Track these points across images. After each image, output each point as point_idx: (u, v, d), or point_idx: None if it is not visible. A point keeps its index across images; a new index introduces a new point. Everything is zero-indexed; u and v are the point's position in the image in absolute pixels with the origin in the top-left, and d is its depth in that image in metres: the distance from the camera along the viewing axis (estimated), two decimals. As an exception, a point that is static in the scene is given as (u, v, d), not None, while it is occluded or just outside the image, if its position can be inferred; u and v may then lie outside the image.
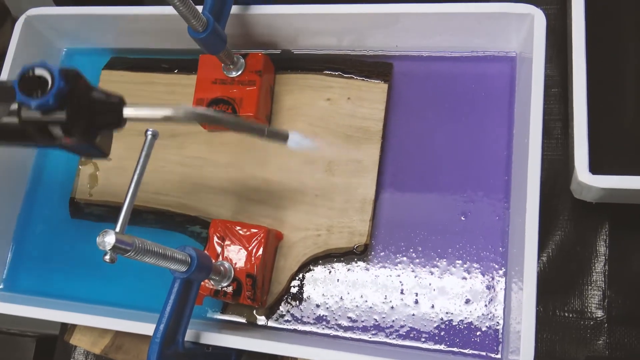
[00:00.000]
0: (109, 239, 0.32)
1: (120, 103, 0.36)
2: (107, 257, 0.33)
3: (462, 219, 0.49)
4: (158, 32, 0.58)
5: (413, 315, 0.47)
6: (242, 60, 0.52)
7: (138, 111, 0.36)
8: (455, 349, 0.46)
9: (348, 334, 0.48)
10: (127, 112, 0.36)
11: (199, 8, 0.45)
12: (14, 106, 0.33)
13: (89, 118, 0.34)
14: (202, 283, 0.47)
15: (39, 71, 0.31)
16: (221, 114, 0.39)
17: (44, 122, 0.32)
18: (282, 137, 0.43)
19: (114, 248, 0.32)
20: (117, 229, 0.34)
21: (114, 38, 0.60)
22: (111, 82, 0.60)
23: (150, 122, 0.36)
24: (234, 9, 0.52)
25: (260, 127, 0.42)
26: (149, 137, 0.38)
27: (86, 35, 0.61)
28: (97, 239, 0.32)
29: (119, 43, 0.61)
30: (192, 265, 0.39)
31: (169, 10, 0.53)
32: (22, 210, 0.60)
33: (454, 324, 0.47)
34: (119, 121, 0.36)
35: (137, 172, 0.38)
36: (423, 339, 0.47)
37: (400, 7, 0.50)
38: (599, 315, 0.48)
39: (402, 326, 0.47)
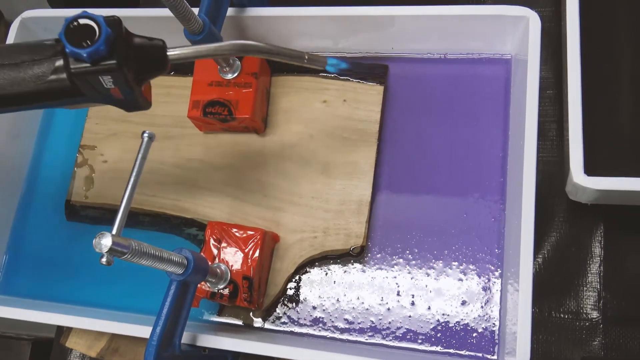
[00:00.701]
0: (105, 242, 0.32)
1: (164, 46, 0.36)
2: (104, 260, 0.33)
3: (458, 220, 0.49)
4: (154, 34, 0.58)
5: (409, 316, 0.48)
6: (238, 63, 0.52)
7: (182, 51, 0.37)
8: (451, 350, 0.46)
9: (345, 336, 0.48)
10: (172, 53, 0.36)
11: (195, 10, 0.45)
12: (59, 62, 0.33)
13: (136, 63, 0.34)
14: (199, 285, 0.46)
15: (83, 21, 0.31)
16: (261, 44, 0.40)
17: (94, 72, 0.32)
18: (322, 62, 0.45)
19: (111, 250, 0.32)
20: (114, 232, 0.34)
21: (109, 40, 0.60)
22: (107, 84, 0.60)
23: (195, 59, 0.38)
24: (230, 11, 0.52)
25: (300, 53, 0.43)
26: (145, 139, 0.38)
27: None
28: (94, 241, 0.32)
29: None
30: (189, 267, 0.39)
31: (164, 12, 0.53)
32: (17, 212, 0.60)
33: (450, 325, 0.47)
34: (164, 64, 0.36)
35: (134, 174, 0.38)
36: (419, 341, 0.47)
37: (396, 10, 0.50)
38: (594, 316, 0.48)
39: (398, 328, 0.47)
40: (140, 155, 0.38)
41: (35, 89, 0.33)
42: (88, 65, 0.32)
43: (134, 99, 0.36)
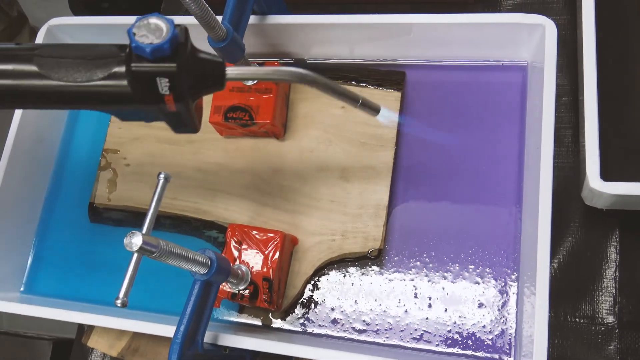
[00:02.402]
0: (136, 240, 0.33)
1: (223, 63, 0.36)
2: (119, 302, 0.34)
3: (475, 224, 0.50)
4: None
5: (426, 318, 0.48)
6: (259, 69, 0.53)
7: (240, 71, 0.37)
8: (468, 352, 0.47)
9: (362, 337, 0.49)
10: (230, 71, 0.37)
11: (219, 18, 0.46)
12: (119, 68, 0.33)
13: (195, 74, 0.34)
14: (220, 286, 0.47)
15: (153, 20, 0.32)
16: (320, 76, 0.39)
17: (154, 71, 0.32)
18: (374, 110, 0.44)
19: (141, 249, 0.33)
20: (144, 231, 0.35)
21: (132, 47, 0.62)
22: (130, 89, 0.61)
23: (252, 80, 0.38)
24: (252, 18, 0.53)
25: (356, 95, 0.42)
26: (162, 180, 0.39)
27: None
28: (125, 240, 0.33)
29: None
30: (212, 267, 0.40)
31: (187, 19, 0.54)
32: (42, 214, 0.61)
33: (467, 327, 0.47)
34: (221, 81, 0.36)
35: (151, 210, 0.38)
36: (437, 342, 0.47)
37: (413, 18, 0.51)
38: (610, 321, 0.48)
39: (415, 329, 0.48)
40: (156, 197, 0.39)
41: (93, 90, 0.34)
42: (149, 64, 0.32)
43: (185, 114, 0.36)
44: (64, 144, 0.63)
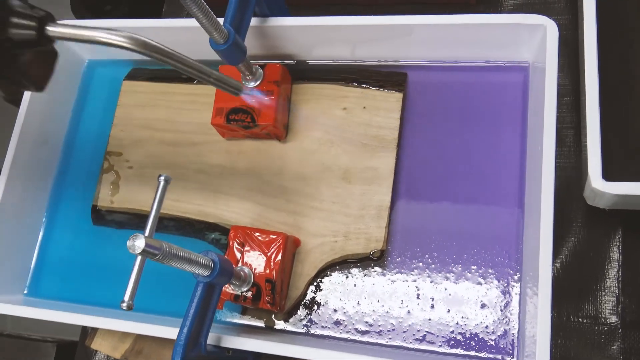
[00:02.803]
0: (139, 243, 0.33)
1: (45, 18, 0.31)
2: (124, 305, 0.34)
3: (477, 225, 0.50)
4: (178, 43, 0.59)
5: (429, 319, 0.48)
6: (261, 71, 0.53)
7: (66, 30, 0.31)
8: (471, 353, 0.47)
9: (365, 338, 0.49)
10: (53, 29, 0.31)
11: (220, 20, 0.47)
12: None
13: (5, 26, 0.30)
14: (223, 288, 0.48)
15: None
16: (163, 46, 0.34)
17: None
18: (232, 88, 0.40)
19: (144, 252, 0.33)
20: (146, 234, 0.35)
21: (134, 50, 0.62)
22: (132, 92, 0.61)
23: (82, 42, 0.32)
24: (253, 21, 0.53)
25: (208, 70, 0.38)
26: (162, 182, 0.39)
27: (107, 47, 0.63)
28: (128, 242, 0.33)
29: (139, 54, 0.62)
30: (215, 269, 0.40)
31: (189, 22, 0.55)
32: (45, 217, 0.61)
33: (469, 328, 0.47)
34: (39, 38, 0.31)
35: (153, 212, 0.38)
36: (439, 343, 0.47)
37: (415, 19, 0.51)
38: (613, 321, 0.48)
39: (418, 330, 0.48)
40: (157, 199, 0.38)
41: None
42: None
43: (9, 69, 0.31)
44: (67, 147, 0.63)
